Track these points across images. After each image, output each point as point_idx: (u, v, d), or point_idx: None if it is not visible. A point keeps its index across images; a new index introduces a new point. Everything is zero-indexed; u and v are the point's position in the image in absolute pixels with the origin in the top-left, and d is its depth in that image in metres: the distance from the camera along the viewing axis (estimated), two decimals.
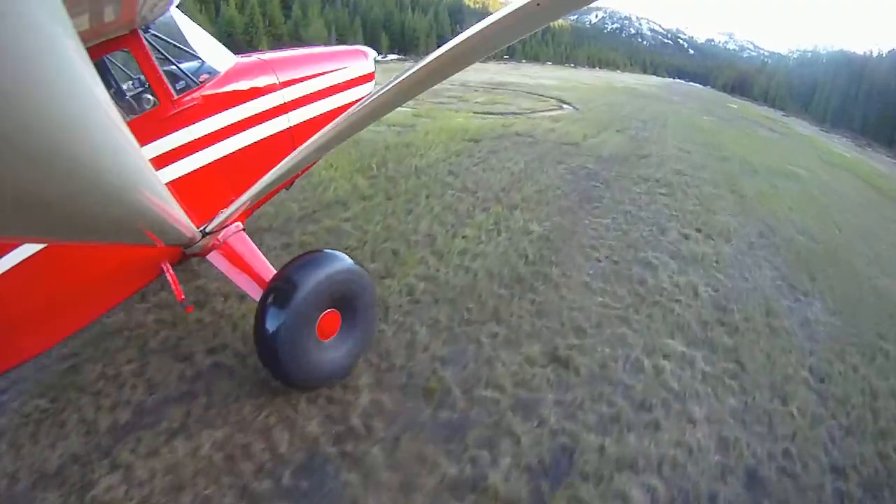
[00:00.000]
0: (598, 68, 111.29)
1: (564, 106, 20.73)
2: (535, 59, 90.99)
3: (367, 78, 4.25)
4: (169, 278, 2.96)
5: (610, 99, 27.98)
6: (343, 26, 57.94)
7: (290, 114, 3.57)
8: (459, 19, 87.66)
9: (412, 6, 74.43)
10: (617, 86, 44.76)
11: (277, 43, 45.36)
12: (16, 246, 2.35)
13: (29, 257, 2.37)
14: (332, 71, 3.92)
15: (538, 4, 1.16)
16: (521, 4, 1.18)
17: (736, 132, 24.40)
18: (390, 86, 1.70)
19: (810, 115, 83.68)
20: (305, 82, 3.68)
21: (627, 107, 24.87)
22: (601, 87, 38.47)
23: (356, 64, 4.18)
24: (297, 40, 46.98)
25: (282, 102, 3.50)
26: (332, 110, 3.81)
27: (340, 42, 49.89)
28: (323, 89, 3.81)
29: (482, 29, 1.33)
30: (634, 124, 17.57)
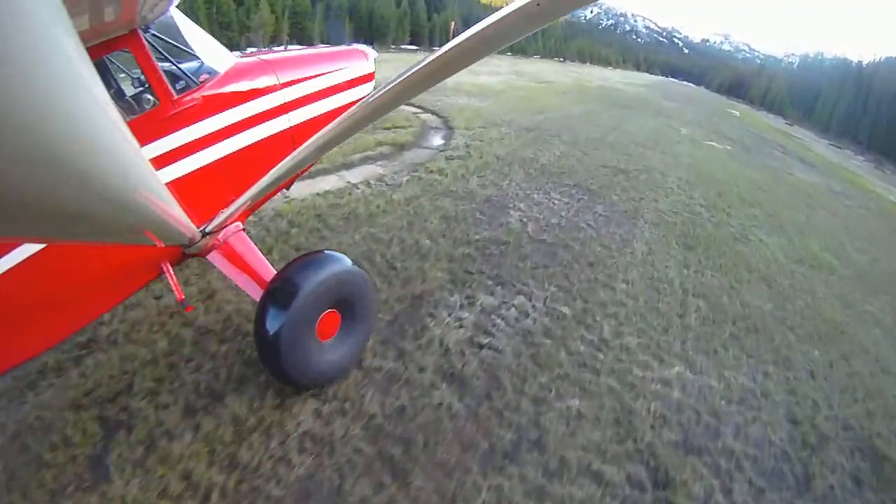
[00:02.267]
0: (588, 63, 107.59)
1: (430, 139, 10.44)
2: (521, 52, 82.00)
3: (367, 78, 4.26)
4: (169, 278, 2.96)
5: (558, 113, 16.00)
6: (302, 14, 50.24)
7: (291, 114, 3.56)
8: (439, 6, 77.47)
9: None
10: (590, 85, 32.65)
11: (225, 32, 41.67)
12: (16, 246, 2.35)
13: (29, 257, 2.37)
14: (332, 71, 3.92)
15: (538, 4, 1.16)
16: (521, 4, 1.18)
17: (773, 187, 13.41)
18: (391, 86, 1.70)
19: (813, 123, 79.15)
20: (305, 82, 3.68)
21: (575, 133, 12.95)
22: (562, 89, 25.73)
23: (356, 64, 4.18)
24: (247, 29, 43.88)
25: (282, 102, 3.50)
26: (332, 110, 3.81)
27: (296, 32, 45.22)
28: (323, 89, 3.81)
29: (482, 29, 1.33)
30: (548, 238, 6.18)
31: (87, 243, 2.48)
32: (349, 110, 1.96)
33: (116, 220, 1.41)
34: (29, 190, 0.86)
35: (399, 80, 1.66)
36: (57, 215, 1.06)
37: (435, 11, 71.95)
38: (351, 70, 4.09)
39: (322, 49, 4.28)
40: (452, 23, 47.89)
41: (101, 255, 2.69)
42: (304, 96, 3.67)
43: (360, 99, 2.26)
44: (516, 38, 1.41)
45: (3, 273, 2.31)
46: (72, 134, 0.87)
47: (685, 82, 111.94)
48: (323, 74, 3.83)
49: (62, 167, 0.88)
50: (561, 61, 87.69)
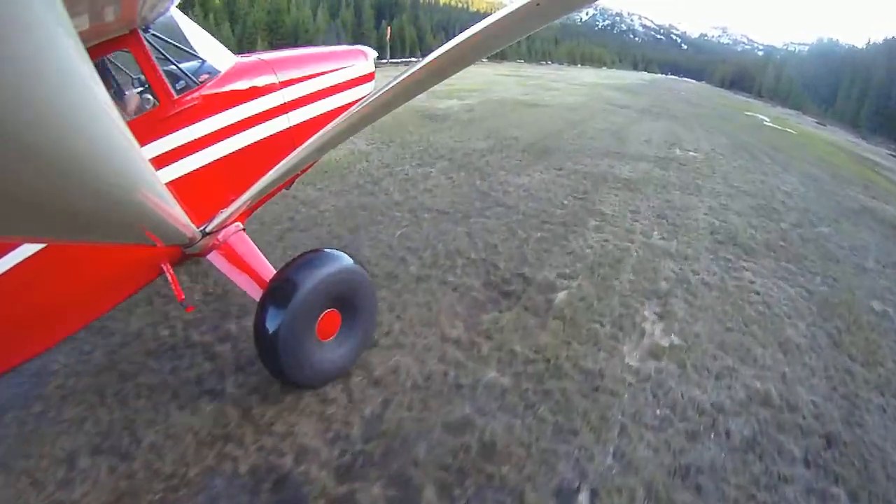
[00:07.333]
0: (579, 65, 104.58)
1: None
2: (501, 57, 67.52)
3: (367, 78, 4.25)
4: (169, 278, 2.97)
5: None
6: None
7: (290, 114, 3.56)
8: (395, 12, 67.86)
9: (313, 3, 56.19)
10: (498, 97, 18.61)
11: None
12: (16, 246, 2.35)
13: (29, 257, 2.37)
14: (332, 71, 3.92)
15: (538, 4, 1.16)
16: (521, 4, 1.18)
17: None
18: (390, 86, 1.71)
19: (837, 118, 67.18)
20: (305, 82, 3.68)
21: None
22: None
23: (356, 64, 4.18)
24: None
25: (282, 102, 3.50)
26: (332, 110, 3.81)
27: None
28: (323, 89, 3.81)
29: (482, 29, 1.34)
30: None
31: (87, 243, 2.49)
32: (349, 110, 1.96)
33: (116, 220, 1.41)
34: (29, 190, 0.86)
35: (399, 80, 1.66)
36: (57, 215, 1.06)
37: (390, 19, 62.89)
38: (351, 70, 4.09)
39: (322, 49, 4.28)
40: (388, 29, 47.23)
41: (100, 255, 2.69)
42: (304, 96, 3.67)
43: (360, 99, 2.26)
44: (517, 38, 1.41)
45: (3, 273, 2.31)
46: (72, 134, 0.87)
47: (686, 78, 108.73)
48: (323, 74, 3.83)
49: (62, 167, 0.88)
50: (545, 65, 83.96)
